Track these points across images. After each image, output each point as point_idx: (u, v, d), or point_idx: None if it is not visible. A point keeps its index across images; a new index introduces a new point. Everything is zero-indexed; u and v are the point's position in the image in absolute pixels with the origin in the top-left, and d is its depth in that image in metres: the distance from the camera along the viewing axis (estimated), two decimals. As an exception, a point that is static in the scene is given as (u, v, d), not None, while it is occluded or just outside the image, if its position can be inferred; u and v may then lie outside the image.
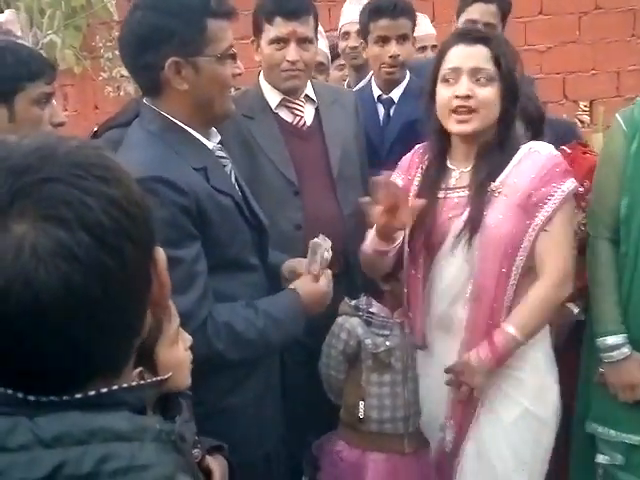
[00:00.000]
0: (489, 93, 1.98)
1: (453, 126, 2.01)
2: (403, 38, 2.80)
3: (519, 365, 2.07)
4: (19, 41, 2.17)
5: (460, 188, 2.08)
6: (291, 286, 1.89)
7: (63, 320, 0.67)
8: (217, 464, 1.40)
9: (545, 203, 1.99)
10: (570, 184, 2.01)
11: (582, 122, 4.13)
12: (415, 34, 2.91)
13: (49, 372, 0.70)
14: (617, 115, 2.19)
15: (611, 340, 2.15)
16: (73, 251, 0.66)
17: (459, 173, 2.10)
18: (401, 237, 2.04)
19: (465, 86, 1.97)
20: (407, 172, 2.21)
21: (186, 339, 1.37)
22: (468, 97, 1.96)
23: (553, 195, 1.99)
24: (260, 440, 1.89)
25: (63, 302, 0.67)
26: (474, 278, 2.04)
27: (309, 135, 2.46)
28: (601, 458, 2.26)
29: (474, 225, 2.00)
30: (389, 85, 2.89)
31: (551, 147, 2.08)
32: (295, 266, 1.98)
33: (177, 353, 1.31)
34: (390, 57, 2.79)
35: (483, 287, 2.03)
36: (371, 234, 2.07)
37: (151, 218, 0.77)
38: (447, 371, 2.06)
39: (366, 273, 2.24)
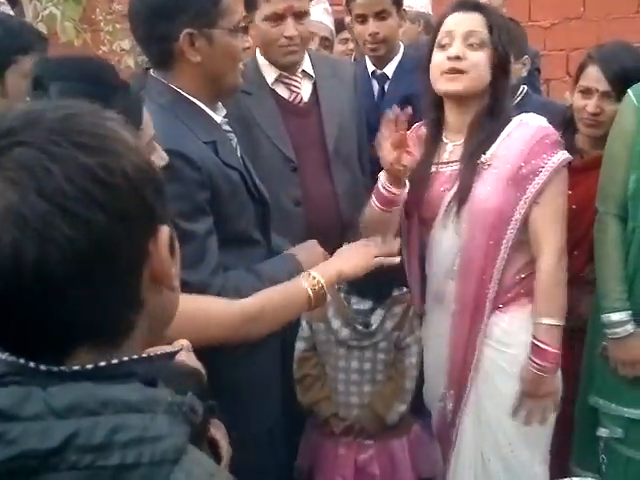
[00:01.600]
0: (479, 57, 2.00)
1: (442, 85, 2.03)
2: (381, 14, 2.76)
3: (514, 342, 2.09)
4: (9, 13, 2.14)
5: (453, 162, 2.11)
6: (290, 251, 1.90)
7: (18, 286, 0.67)
8: (220, 434, 1.40)
9: (536, 175, 1.99)
10: (561, 155, 2.02)
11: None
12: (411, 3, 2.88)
13: (24, 338, 0.71)
14: (629, 91, 2.17)
15: (616, 317, 2.17)
16: (25, 217, 0.66)
17: (452, 146, 2.12)
18: (408, 184, 2.04)
19: (457, 48, 1.99)
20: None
21: None
22: (458, 58, 1.99)
23: (543, 167, 1.99)
24: (262, 415, 1.91)
25: (15, 268, 0.66)
26: (461, 250, 2.07)
27: (306, 111, 2.45)
28: (602, 431, 2.29)
29: (462, 197, 2.03)
30: (380, 61, 2.87)
31: (542, 119, 2.08)
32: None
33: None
34: (369, 35, 2.77)
35: (470, 259, 2.06)
36: (379, 184, 2.06)
37: (153, 192, 0.75)
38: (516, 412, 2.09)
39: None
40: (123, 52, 4.46)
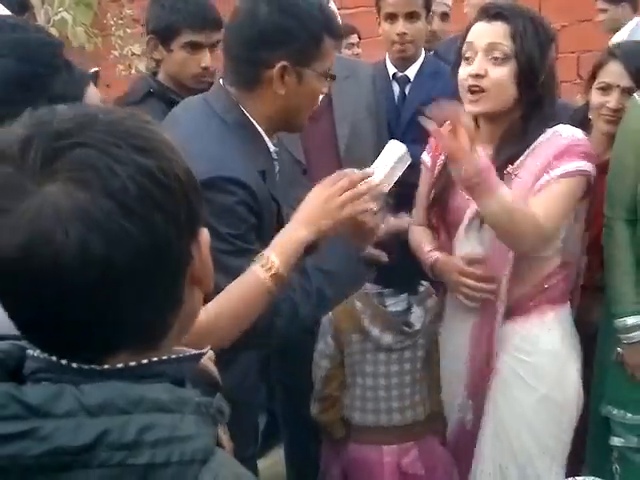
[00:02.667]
0: (501, 73, 1.90)
1: (466, 105, 1.94)
2: (412, 16, 2.77)
3: (534, 350, 2.04)
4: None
5: None
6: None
7: (83, 284, 0.68)
8: (223, 429, 1.39)
9: (549, 171, 1.92)
10: (583, 164, 1.92)
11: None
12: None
13: (75, 337, 0.71)
14: (635, 95, 2.16)
15: (630, 321, 2.14)
16: (92, 215, 0.67)
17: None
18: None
19: (477, 65, 1.91)
20: (435, 150, 2.18)
21: None
22: (479, 76, 1.91)
23: (559, 167, 1.92)
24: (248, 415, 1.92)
25: (81, 265, 0.67)
26: (487, 261, 2.02)
27: (318, 113, 2.43)
28: (616, 440, 2.25)
29: None
30: (403, 62, 2.87)
31: (577, 131, 2.00)
32: None
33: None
34: (397, 35, 2.77)
35: (492, 270, 2.01)
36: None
37: (196, 196, 0.77)
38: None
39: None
40: (134, 56, 4.48)
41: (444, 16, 3.77)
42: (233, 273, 1.53)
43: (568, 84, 4.65)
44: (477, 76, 1.91)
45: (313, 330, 2.28)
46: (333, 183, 1.60)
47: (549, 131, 1.98)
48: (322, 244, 1.71)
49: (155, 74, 2.54)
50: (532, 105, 1.96)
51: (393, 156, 1.75)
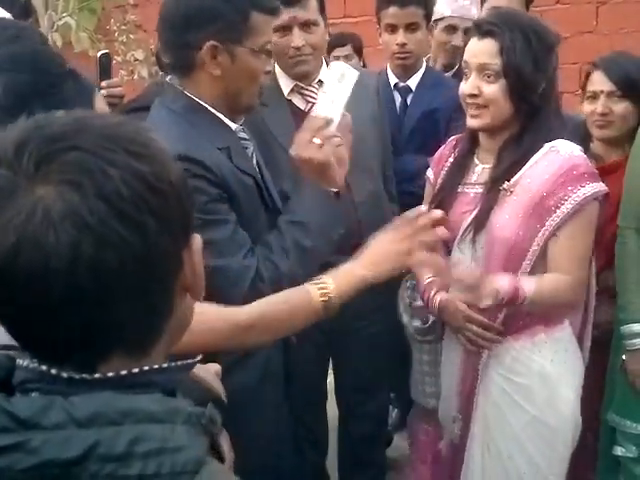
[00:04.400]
0: (494, 90, 1.95)
1: (467, 119, 2.03)
2: (412, 26, 2.80)
3: (524, 371, 2.04)
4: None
5: (480, 184, 2.06)
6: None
7: (73, 287, 0.67)
8: (223, 437, 1.39)
9: (558, 207, 1.92)
10: (589, 189, 1.92)
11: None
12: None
13: (64, 341, 0.71)
14: None
15: (637, 327, 2.15)
16: (84, 218, 0.67)
17: (482, 169, 2.09)
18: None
19: (471, 84, 1.98)
20: (438, 164, 2.22)
21: None
22: (474, 95, 1.97)
23: (566, 200, 1.91)
24: (262, 420, 1.88)
25: (71, 268, 0.67)
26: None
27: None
28: (618, 450, 2.25)
29: (479, 224, 1.99)
30: (405, 72, 2.88)
31: (575, 147, 2.00)
32: None
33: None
34: (397, 45, 2.79)
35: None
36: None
37: (189, 202, 0.77)
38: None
39: None
40: (137, 62, 4.49)
41: (468, 31, 3.77)
42: (207, 247, 1.54)
43: (570, 95, 4.66)
44: (472, 95, 1.96)
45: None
46: (396, 229, 1.61)
47: (546, 146, 1.98)
48: (292, 196, 1.74)
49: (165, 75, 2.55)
50: (529, 117, 1.98)
51: (335, 82, 1.75)
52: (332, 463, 2.85)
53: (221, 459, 1.30)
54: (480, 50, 1.98)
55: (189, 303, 0.81)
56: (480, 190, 2.05)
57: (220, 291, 1.60)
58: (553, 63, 2.02)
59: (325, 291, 1.53)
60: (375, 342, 2.56)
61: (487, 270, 1.99)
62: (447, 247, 2.10)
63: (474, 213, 2.02)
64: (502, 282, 1.92)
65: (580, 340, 2.16)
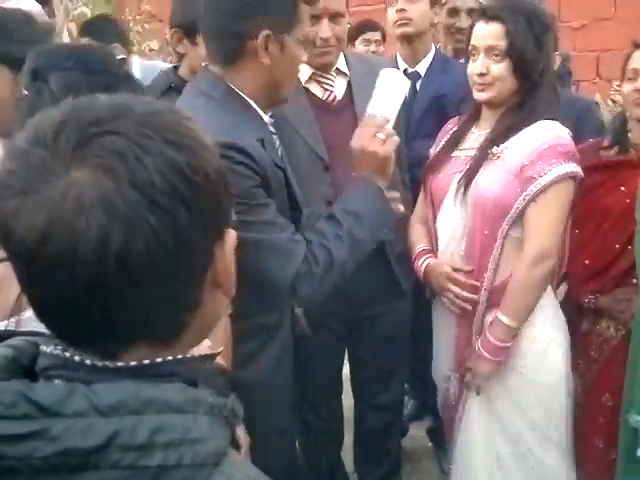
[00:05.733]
0: (501, 68, 2.11)
1: (474, 94, 2.18)
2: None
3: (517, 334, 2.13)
4: None
5: (473, 148, 2.20)
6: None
7: (99, 274, 0.67)
8: (240, 430, 1.39)
9: (540, 176, 2.03)
10: (572, 167, 2.04)
11: (614, 102, 4.04)
12: None
13: (88, 327, 0.70)
14: None
15: None
16: (116, 205, 0.66)
17: (477, 135, 2.23)
18: None
19: (480, 64, 2.13)
20: (440, 137, 2.37)
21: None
22: (483, 74, 2.12)
23: (550, 170, 2.03)
24: (273, 415, 1.90)
25: (99, 255, 0.66)
26: (466, 236, 2.15)
27: (339, 110, 2.43)
28: (639, 452, 2.20)
29: (467, 181, 2.12)
30: (412, 58, 2.88)
31: (564, 130, 2.11)
32: None
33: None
34: (396, 12, 2.79)
35: (472, 245, 2.13)
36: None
37: (226, 196, 0.76)
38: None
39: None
40: (152, 52, 4.50)
41: (471, 12, 3.75)
42: (256, 226, 1.59)
43: (587, 83, 4.63)
44: (481, 74, 2.13)
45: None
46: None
47: (539, 123, 2.11)
48: (348, 187, 1.81)
49: (176, 68, 2.55)
50: (529, 91, 2.15)
51: (389, 85, 1.84)
52: (347, 453, 2.86)
53: (237, 447, 1.31)
54: (487, 33, 2.13)
55: (220, 298, 0.80)
56: (472, 153, 2.18)
57: (271, 274, 1.64)
58: (550, 43, 2.20)
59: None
60: (391, 333, 2.56)
61: (472, 227, 2.12)
62: (436, 208, 2.25)
63: (463, 172, 2.15)
64: (475, 357, 2.13)
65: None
